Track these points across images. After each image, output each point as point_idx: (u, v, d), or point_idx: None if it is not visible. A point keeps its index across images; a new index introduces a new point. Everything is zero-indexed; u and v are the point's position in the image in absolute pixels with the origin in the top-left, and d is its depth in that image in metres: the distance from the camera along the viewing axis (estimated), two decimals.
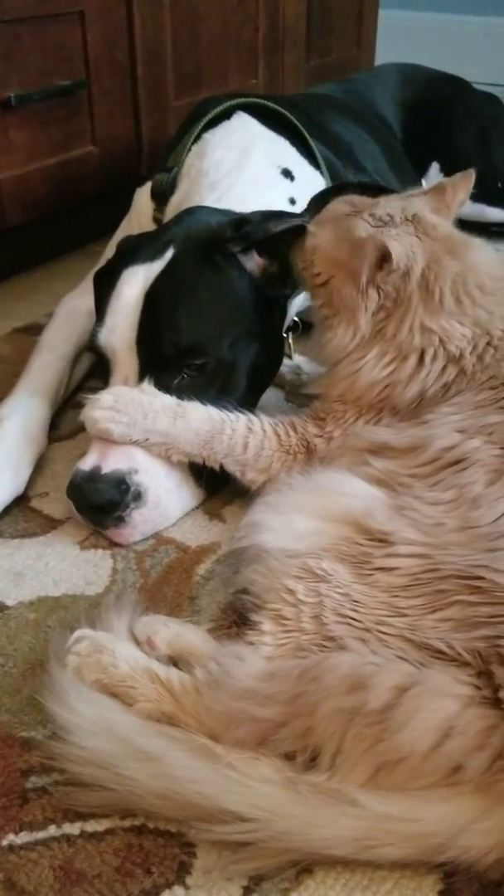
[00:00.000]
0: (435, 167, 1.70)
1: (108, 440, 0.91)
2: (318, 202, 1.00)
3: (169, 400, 0.91)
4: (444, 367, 0.86)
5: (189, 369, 0.93)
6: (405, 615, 0.68)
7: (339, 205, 0.96)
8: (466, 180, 0.97)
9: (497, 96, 1.85)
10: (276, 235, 0.97)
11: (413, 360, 0.87)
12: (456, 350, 0.86)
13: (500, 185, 1.71)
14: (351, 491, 0.79)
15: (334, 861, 0.59)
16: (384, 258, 0.87)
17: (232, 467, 0.92)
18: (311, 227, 0.95)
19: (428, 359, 0.87)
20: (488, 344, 0.86)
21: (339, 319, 0.91)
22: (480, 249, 0.94)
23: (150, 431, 0.90)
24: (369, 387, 0.89)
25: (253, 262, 0.99)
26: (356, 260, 0.88)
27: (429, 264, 0.88)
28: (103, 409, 0.90)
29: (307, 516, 0.77)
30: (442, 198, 0.96)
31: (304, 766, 0.62)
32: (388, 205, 0.93)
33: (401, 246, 0.88)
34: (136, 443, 0.91)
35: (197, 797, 0.60)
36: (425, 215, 0.92)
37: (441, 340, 0.87)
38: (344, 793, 0.58)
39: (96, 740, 0.64)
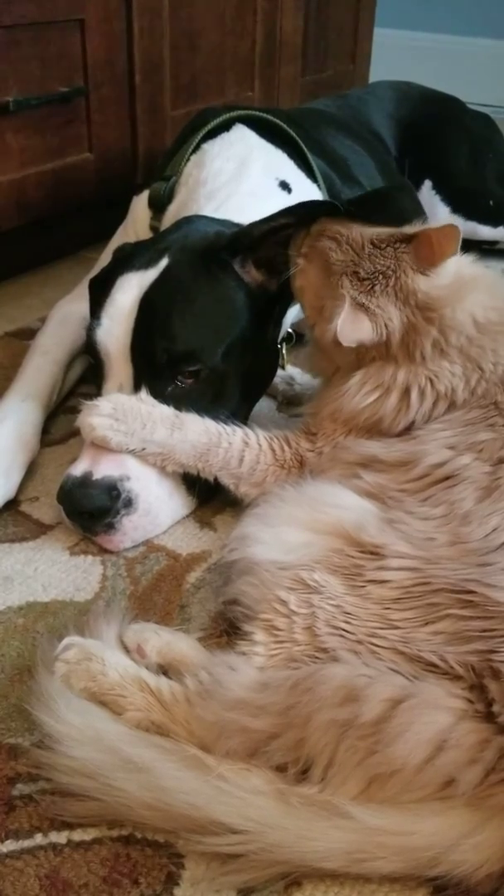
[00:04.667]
0: (427, 185, 1.72)
1: (101, 446, 0.91)
2: (305, 214, 0.96)
3: (167, 410, 0.91)
4: (435, 403, 0.86)
5: (182, 376, 0.93)
6: (397, 627, 0.68)
7: (326, 242, 0.90)
8: (452, 237, 0.86)
9: (490, 116, 1.88)
10: (265, 237, 0.97)
11: (396, 395, 0.86)
12: (446, 388, 0.85)
13: (491, 203, 1.73)
14: (342, 503, 0.79)
15: (324, 874, 0.59)
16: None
17: (226, 480, 0.93)
18: (299, 261, 0.93)
19: (415, 396, 0.86)
20: (480, 378, 0.85)
21: (323, 354, 0.93)
22: (473, 295, 0.88)
23: (147, 441, 0.90)
24: (356, 412, 0.88)
25: (250, 275, 1.00)
26: (335, 328, 0.86)
27: (407, 331, 0.86)
28: (102, 416, 0.90)
29: (298, 528, 0.77)
30: (429, 250, 0.86)
31: (295, 778, 0.62)
32: (375, 258, 0.87)
33: (374, 326, 0.85)
34: (132, 452, 0.91)
35: (187, 808, 0.59)
36: (407, 281, 0.86)
37: (429, 379, 0.86)
38: (336, 805, 0.58)
39: (84, 750, 0.63)
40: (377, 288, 0.87)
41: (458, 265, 0.90)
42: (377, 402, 0.87)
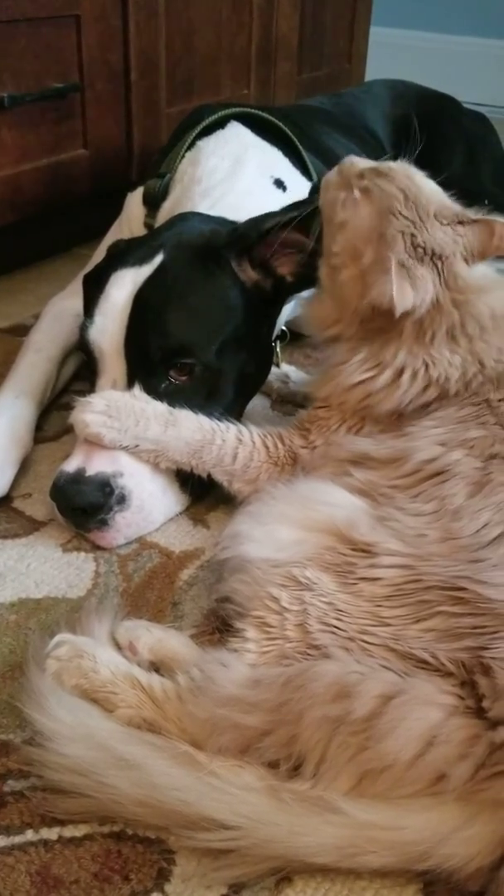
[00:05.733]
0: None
1: (94, 443, 0.91)
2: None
3: (161, 407, 0.91)
4: (426, 388, 0.86)
5: (176, 372, 0.93)
6: (389, 625, 0.68)
7: (394, 189, 0.88)
8: None
9: (485, 116, 1.88)
10: (269, 231, 0.97)
11: (388, 374, 0.86)
12: (440, 375, 0.85)
13: (486, 202, 1.73)
14: (333, 500, 0.79)
15: (316, 869, 0.59)
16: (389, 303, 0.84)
17: (220, 477, 0.92)
18: (356, 193, 0.89)
19: (406, 377, 0.85)
20: (478, 372, 0.85)
21: (330, 299, 0.91)
22: (500, 291, 0.89)
23: (140, 438, 0.90)
24: (350, 389, 0.88)
25: (245, 273, 1.00)
26: (369, 281, 0.85)
27: (429, 310, 0.85)
28: (95, 413, 0.90)
29: (290, 526, 0.77)
30: (488, 240, 0.87)
31: (287, 775, 0.62)
32: (436, 231, 0.86)
33: (409, 297, 0.84)
34: (125, 448, 0.91)
35: (179, 805, 0.59)
36: (454, 264, 0.86)
37: (425, 364, 0.86)
38: (327, 801, 0.58)
39: (76, 747, 0.63)
40: (426, 260, 0.86)
41: (488, 267, 0.90)
42: (370, 379, 0.87)
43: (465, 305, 0.86)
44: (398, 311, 0.83)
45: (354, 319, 0.89)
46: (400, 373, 0.86)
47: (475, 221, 0.88)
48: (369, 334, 0.89)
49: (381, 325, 0.87)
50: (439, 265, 0.86)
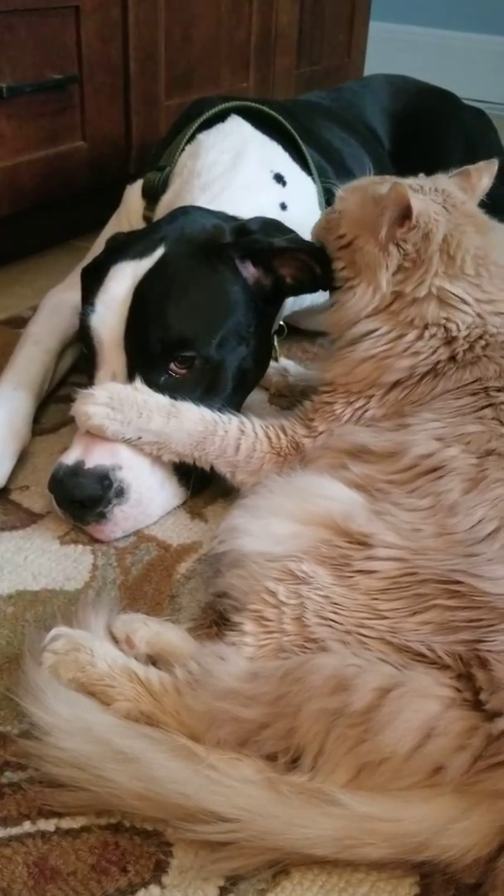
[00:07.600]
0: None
1: (93, 435, 0.91)
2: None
3: (163, 399, 0.91)
4: (438, 348, 0.87)
5: (176, 365, 0.93)
6: (385, 618, 0.68)
7: (369, 177, 1.00)
8: (490, 166, 0.99)
9: (484, 111, 1.88)
10: (276, 251, 0.98)
11: (413, 334, 0.88)
12: (454, 329, 0.87)
13: (485, 199, 1.73)
14: (330, 493, 0.79)
15: (314, 861, 0.59)
16: (405, 213, 0.87)
17: (223, 468, 0.92)
18: (340, 193, 0.97)
19: (427, 334, 0.88)
20: (481, 336, 0.87)
21: (360, 279, 0.92)
22: (501, 233, 0.95)
23: (143, 430, 0.90)
24: (361, 363, 0.89)
25: (248, 271, 1.00)
26: (378, 215, 0.88)
27: (451, 232, 0.89)
28: (98, 405, 0.89)
29: (286, 520, 0.77)
30: (468, 180, 0.98)
31: (285, 767, 0.62)
32: (419, 179, 0.96)
33: (421, 203, 0.89)
34: (128, 441, 0.90)
35: (177, 798, 0.59)
36: (454, 191, 0.94)
37: (446, 319, 0.88)
38: (325, 793, 0.58)
39: (74, 741, 0.63)
40: (426, 188, 0.93)
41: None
42: (391, 348, 0.89)
43: (486, 233, 0.91)
44: (414, 209, 0.86)
45: (387, 278, 0.90)
46: (424, 330, 0.88)
47: (453, 175, 0.99)
48: (397, 289, 0.90)
49: (409, 270, 0.89)
50: (442, 194, 0.93)
